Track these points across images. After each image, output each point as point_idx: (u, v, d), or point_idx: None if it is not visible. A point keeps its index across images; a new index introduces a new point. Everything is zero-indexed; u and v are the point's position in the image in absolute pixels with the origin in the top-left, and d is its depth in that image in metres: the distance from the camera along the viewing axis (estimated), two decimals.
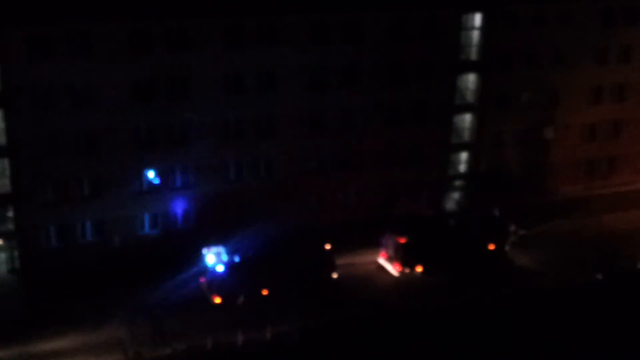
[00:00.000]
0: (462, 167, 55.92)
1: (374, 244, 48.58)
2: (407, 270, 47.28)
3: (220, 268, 43.82)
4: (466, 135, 55.02)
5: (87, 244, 46.97)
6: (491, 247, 48.31)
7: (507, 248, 49.03)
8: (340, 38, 48.84)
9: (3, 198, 45.23)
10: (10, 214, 45.99)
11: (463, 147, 55.14)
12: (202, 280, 44.72)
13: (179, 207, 48.47)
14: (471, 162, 55.32)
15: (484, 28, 52.20)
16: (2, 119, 44.11)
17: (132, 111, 45.78)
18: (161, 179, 47.55)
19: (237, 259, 43.84)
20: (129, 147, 46.31)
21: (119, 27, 44.29)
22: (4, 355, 38.22)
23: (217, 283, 43.64)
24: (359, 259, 48.94)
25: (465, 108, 54.20)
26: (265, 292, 43.86)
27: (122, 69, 44.95)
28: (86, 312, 42.23)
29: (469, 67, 53.26)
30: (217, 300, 43.33)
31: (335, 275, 45.83)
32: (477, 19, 52.46)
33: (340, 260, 46.55)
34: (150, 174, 47.30)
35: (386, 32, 49.67)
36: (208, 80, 46.82)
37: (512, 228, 49.79)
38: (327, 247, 45.68)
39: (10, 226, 46.17)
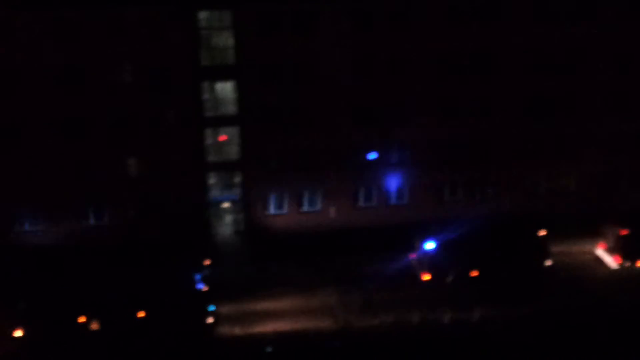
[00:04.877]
0: None
1: (592, 234, 46.70)
2: (627, 264, 45.04)
3: (431, 245, 44.14)
4: None
5: (306, 212, 49.07)
6: None
7: None
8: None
9: (232, 165, 48.39)
10: (237, 179, 49.13)
11: None
12: (413, 256, 45.32)
13: (394, 183, 49.24)
14: None
15: None
16: (234, 90, 47.10)
17: (353, 88, 46.98)
18: (378, 155, 48.50)
19: (448, 238, 43.92)
20: (347, 122, 47.59)
21: (344, 8, 45.57)
22: (227, 311, 41.08)
23: (428, 260, 44.03)
24: (575, 248, 47.30)
25: None
26: (474, 273, 43.65)
27: (346, 47, 46.23)
28: (302, 277, 44.41)
29: None
30: (426, 277, 43.76)
31: (548, 263, 44.63)
32: None
33: (554, 248, 45.22)
34: (369, 150, 48.40)
35: None
36: (425, 58, 47.06)
37: None
38: (542, 233, 44.55)
39: (237, 191, 49.34)
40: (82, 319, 38.09)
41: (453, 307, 40.85)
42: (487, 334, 39.02)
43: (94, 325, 38.25)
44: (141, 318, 38.46)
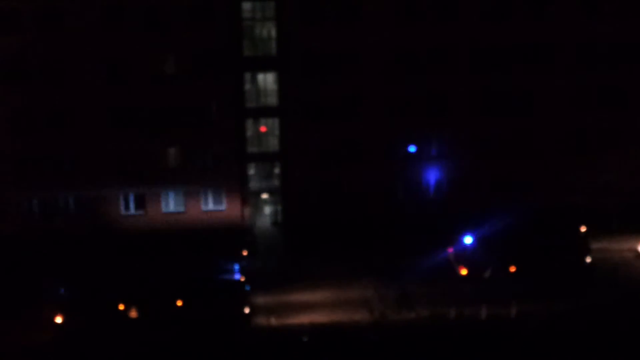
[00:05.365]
0: None
1: (633, 231, 46.01)
2: None
3: (469, 240, 43.93)
4: None
5: (344, 203, 49.10)
6: None
7: None
8: None
9: (272, 156, 48.64)
10: (277, 170, 49.39)
11: None
12: (450, 250, 45.14)
13: (433, 176, 49.07)
14: None
15: None
16: (275, 81, 47.29)
17: (392, 79, 46.83)
18: (417, 148, 48.34)
19: (486, 232, 43.67)
20: (385, 113, 47.46)
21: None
22: (263, 302, 41.43)
23: (465, 254, 43.83)
24: (616, 245, 46.69)
25: None
26: (512, 268, 43.32)
27: (388, 37, 46.09)
28: (339, 269, 44.53)
29: None
30: (464, 271, 43.57)
31: (588, 260, 44.09)
32: None
33: (595, 245, 44.66)
34: (408, 143, 48.26)
35: None
36: (466, 53, 46.71)
37: None
38: (582, 229, 44.02)
39: (276, 182, 49.61)
40: (121, 307, 38.75)
41: (490, 302, 40.60)
42: (525, 330, 38.75)
43: (133, 313, 38.88)
44: (179, 307, 38.99)
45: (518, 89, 47.72)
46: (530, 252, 43.41)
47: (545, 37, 47.15)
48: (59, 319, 38.43)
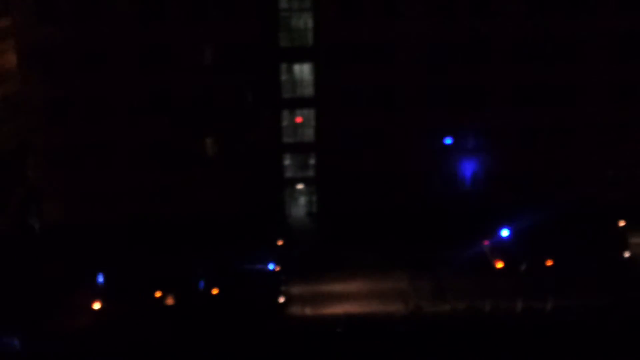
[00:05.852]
0: None
1: None
2: None
3: (505, 233, 43.65)
4: None
5: (379, 194, 48.94)
6: None
7: None
8: None
9: (307, 146, 48.69)
10: (312, 161, 49.43)
11: None
12: (486, 243, 44.88)
13: (470, 168, 48.75)
14: None
15: None
16: (311, 72, 47.30)
17: (429, 70, 46.58)
18: (454, 140, 48.05)
19: (523, 226, 43.35)
20: (421, 104, 47.27)
21: None
22: (298, 292, 41.57)
23: (501, 247, 43.56)
24: None
25: None
26: (549, 262, 42.96)
27: (425, 29, 45.82)
28: (374, 259, 44.50)
29: None
30: (500, 264, 43.30)
31: (627, 254, 43.59)
32: None
33: (634, 239, 44.11)
34: (445, 135, 48.00)
35: None
36: (508, 46, 46.31)
37: None
38: (621, 223, 43.52)
39: (311, 172, 49.67)
40: (157, 294, 39.16)
41: (526, 295, 40.33)
42: (561, 324, 38.47)
43: (169, 301, 39.28)
44: (215, 295, 39.30)
45: (559, 81, 47.07)
46: (567, 246, 43.01)
47: (587, 28, 46.44)
48: (97, 306, 38.97)
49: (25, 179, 51.26)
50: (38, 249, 45.28)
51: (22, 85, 46.16)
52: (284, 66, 47.24)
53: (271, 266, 40.56)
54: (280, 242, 44.22)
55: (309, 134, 48.49)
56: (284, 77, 47.34)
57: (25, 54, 44.95)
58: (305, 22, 46.77)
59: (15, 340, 36.86)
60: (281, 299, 39.95)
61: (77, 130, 46.38)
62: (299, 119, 48.52)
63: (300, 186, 50.34)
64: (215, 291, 39.32)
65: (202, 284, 39.53)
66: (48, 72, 45.20)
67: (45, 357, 36.57)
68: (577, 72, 47.01)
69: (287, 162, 49.31)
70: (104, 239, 44.96)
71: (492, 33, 46.04)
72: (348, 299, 41.14)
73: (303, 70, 47.76)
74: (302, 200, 50.78)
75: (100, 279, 39.76)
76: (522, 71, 46.76)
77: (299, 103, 47.95)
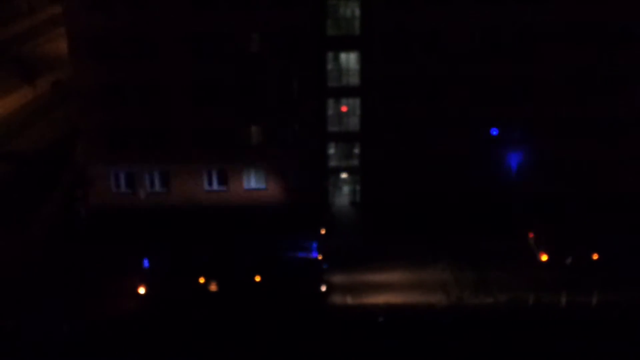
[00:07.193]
0: None
1: None
2: None
3: (550, 225, 43.16)
4: None
5: (422, 184, 48.76)
6: None
7: None
8: None
9: (352, 135, 48.69)
10: (356, 150, 49.43)
11: None
12: (531, 235, 44.43)
13: (515, 159, 48.22)
14: None
15: None
16: (357, 61, 47.22)
17: (477, 59, 46.14)
18: (499, 130, 47.57)
19: (567, 219, 42.81)
20: (468, 94, 46.84)
21: None
22: (340, 281, 41.72)
23: (546, 240, 43.07)
24: None
25: None
26: (595, 256, 42.35)
27: (475, 18, 45.35)
28: (416, 250, 44.39)
29: None
30: (544, 257, 42.86)
31: None
32: None
33: None
34: (491, 125, 47.54)
35: None
36: (554, 33, 45.63)
37: None
38: None
39: (356, 161, 49.66)
40: (201, 280, 39.68)
41: (571, 289, 39.87)
42: (607, 319, 37.96)
43: (213, 287, 39.77)
44: (258, 283, 39.66)
45: (608, 70, 46.23)
46: (613, 240, 42.34)
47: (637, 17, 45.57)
48: (142, 290, 39.65)
49: (73, 164, 52.30)
50: (84, 234, 46.16)
51: (72, 71, 47.05)
52: (330, 55, 47.25)
53: (314, 255, 40.75)
54: (323, 231, 44.38)
55: (353, 123, 48.48)
56: (330, 66, 47.34)
57: (76, 40, 45.73)
58: (352, 10, 46.67)
59: (64, 325, 37.75)
60: (323, 288, 40.14)
61: (126, 116, 47.12)
62: (344, 108, 48.52)
63: (344, 175, 50.41)
64: (258, 278, 39.68)
65: (244, 271, 39.91)
66: (98, 59, 45.92)
67: (92, 341, 37.38)
68: (626, 61, 46.07)
69: (331, 151, 49.39)
70: (149, 225, 45.68)
71: (545, 20, 45.37)
72: (389, 289, 41.15)
73: (349, 59, 47.70)
74: (346, 189, 50.85)
75: (146, 264, 40.40)
76: (572, 60, 46.00)
77: (344, 92, 47.93)
